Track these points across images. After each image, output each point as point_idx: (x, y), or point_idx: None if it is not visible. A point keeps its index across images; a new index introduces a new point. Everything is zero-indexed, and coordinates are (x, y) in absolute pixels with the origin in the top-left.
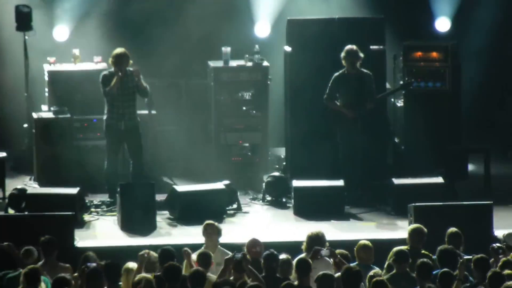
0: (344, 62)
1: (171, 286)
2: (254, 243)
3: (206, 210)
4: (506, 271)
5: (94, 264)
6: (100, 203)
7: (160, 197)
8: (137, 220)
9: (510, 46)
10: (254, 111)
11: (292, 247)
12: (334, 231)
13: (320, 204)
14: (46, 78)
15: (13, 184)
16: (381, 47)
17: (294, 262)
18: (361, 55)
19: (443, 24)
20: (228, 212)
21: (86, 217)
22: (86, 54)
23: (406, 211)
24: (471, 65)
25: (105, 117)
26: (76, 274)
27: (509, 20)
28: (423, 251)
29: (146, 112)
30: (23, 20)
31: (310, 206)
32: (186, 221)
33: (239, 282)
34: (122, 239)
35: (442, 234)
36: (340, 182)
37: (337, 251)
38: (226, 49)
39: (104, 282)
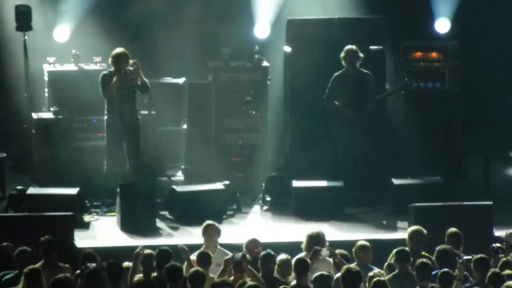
0: (344, 62)
1: (172, 286)
2: (254, 243)
3: (206, 211)
4: (506, 271)
5: (93, 265)
6: (99, 203)
7: (159, 198)
8: (136, 220)
9: (510, 46)
10: (253, 111)
11: (292, 248)
12: (333, 231)
13: (320, 204)
14: (46, 78)
15: (12, 185)
16: (381, 47)
17: (293, 262)
18: (361, 55)
19: (442, 25)
20: (227, 212)
21: (86, 217)
22: (86, 54)
23: (406, 212)
24: (470, 65)
25: (105, 117)
26: (78, 272)
27: (509, 20)
28: (423, 253)
29: (146, 112)
30: (23, 20)
31: (310, 207)
32: (186, 221)
33: (239, 283)
34: (122, 240)
35: (441, 234)
36: (339, 183)
37: (337, 251)
38: (226, 50)
39: (104, 283)
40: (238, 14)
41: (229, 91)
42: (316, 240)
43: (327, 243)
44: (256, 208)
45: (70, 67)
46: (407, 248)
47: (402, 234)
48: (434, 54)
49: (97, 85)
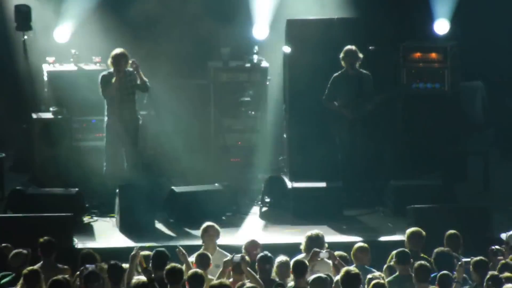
0: (343, 63)
1: None
2: (253, 245)
3: (205, 211)
4: (505, 274)
5: (92, 266)
6: (99, 204)
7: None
8: (135, 221)
9: (509, 46)
10: (253, 112)
11: (291, 249)
12: (332, 232)
13: (319, 205)
14: (45, 78)
15: (12, 185)
16: (380, 47)
17: (291, 263)
18: (360, 55)
19: (442, 26)
20: (226, 213)
21: (85, 218)
22: (86, 54)
23: (405, 213)
24: (470, 65)
25: (105, 118)
26: (78, 273)
27: (509, 21)
28: (422, 255)
29: (145, 112)
30: (23, 20)
31: (309, 208)
32: (185, 222)
33: (238, 284)
34: (121, 240)
35: (440, 236)
36: (339, 184)
37: (336, 253)
38: (225, 50)
39: (102, 284)
40: (238, 15)
41: (228, 91)
42: (315, 240)
43: (326, 245)
44: (255, 209)
45: (70, 67)
46: (407, 250)
47: (401, 235)
48: (433, 55)
49: (97, 85)
